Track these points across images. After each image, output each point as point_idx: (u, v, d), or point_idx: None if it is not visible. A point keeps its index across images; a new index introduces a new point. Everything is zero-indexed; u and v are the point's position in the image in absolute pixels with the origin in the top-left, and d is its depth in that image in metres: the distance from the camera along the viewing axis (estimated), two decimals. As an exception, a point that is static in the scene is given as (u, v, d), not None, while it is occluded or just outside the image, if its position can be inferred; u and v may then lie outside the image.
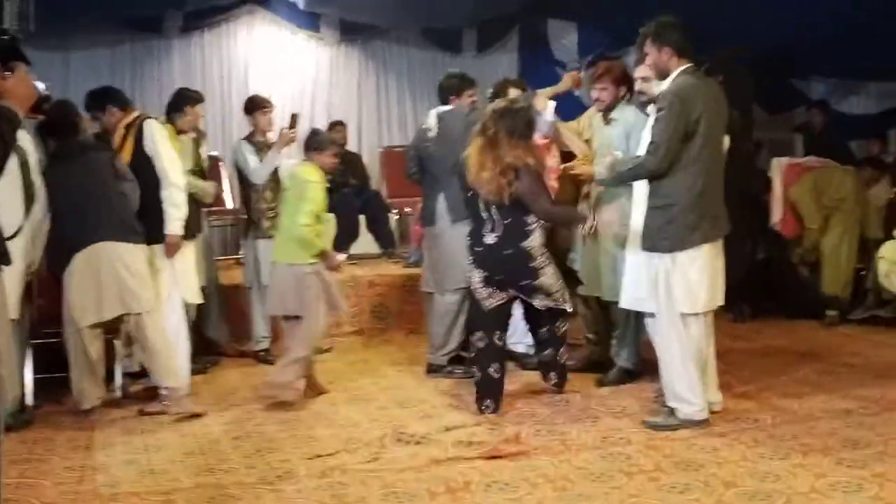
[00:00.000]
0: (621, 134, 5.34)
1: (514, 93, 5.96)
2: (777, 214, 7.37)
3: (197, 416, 5.09)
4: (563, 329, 5.21)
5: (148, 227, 5.25)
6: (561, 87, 5.83)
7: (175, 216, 5.36)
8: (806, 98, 9.89)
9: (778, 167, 7.41)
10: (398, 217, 8.89)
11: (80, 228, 4.95)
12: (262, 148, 6.45)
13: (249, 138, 6.58)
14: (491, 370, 5.02)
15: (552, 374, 5.27)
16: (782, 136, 10.13)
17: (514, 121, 4.96)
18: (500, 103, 5.15)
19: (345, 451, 4.39)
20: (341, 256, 5.42)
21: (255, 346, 6.57)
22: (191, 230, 5.59)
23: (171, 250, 5.40)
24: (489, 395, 5.01)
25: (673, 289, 4.51)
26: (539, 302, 5.07)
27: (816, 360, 6.06)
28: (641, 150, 4.67)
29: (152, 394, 5.31)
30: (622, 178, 4.83)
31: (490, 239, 5.02)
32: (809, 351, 6.34)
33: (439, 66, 10.08)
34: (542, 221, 5.04)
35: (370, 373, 6.11)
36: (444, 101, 6.10)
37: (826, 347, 6.46)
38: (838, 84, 9.90)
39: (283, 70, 9.70)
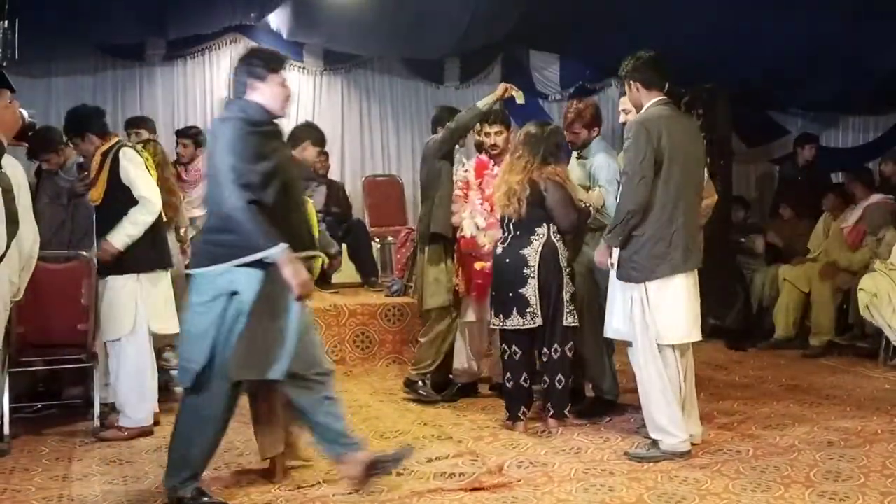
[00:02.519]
0: (586, 172, 5.54)
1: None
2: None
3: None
4: (559, 356, 5.13)
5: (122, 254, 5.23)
6: (496, 94, 5.94)
7: (127, 231, 5.19)
8: (784, 130, 10.00)
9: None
10: (380, 246, 8.88)
11: None
12: None
13: None
14: (504, 380, 5.29)
15: (549, 405, 5.21)
16: (766, 169, 10.28)
17: (541, 144, 5.19)
18: (530, 127, 5.32)
19: (326, 483, 4.36)
20: None
21: None
22: (165, 260, 5.45)
23: (104, 256, 5.24)
24: (508, 404, 5.30)
25: (648, 319, 4.54)
26: (511, 321, 5.13)
27: (798, 391, 6.08)
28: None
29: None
30: (617, 232, 4.59)
31: (499, 249, 5.29)
32: (790, 382, 6.36)
33: (422, 96, 10.16)
34: (559, 235, 5.19)
35: (351, 403, 6.05)
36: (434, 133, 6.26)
37: (807, 379, 6.48)
38: (816, 117, 10.02)
39: (266, 98, 9.70)
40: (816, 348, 7.38)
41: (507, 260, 5.19)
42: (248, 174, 3.74)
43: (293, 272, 3.74)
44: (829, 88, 8.87)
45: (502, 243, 5.28)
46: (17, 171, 4.36)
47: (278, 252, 3.72)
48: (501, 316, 5.19)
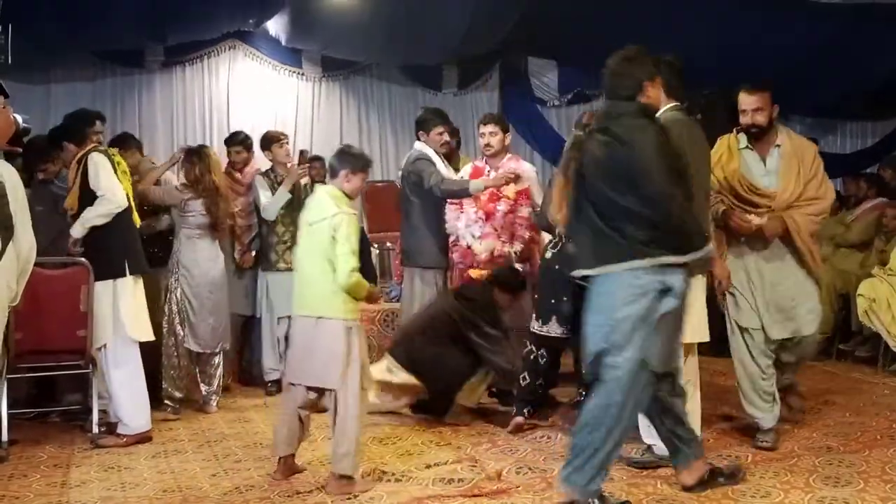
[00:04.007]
0: None
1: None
2: None
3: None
4: None
5: (95, 263, 5.26)
6: (495, 181, 5.80)
7: (85, 217, 5.25)
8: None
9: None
10: (379, 252, 8.87)
11: None
12: (276, 183, 6.59)
13: (266, 173, 6.72)
14: (520, 377, 5.29)
15: None
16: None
17: None
18: (575, 135, 5.15)
19: (324, 489, 4.35)
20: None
21: (265, 376, 6.66)
22: (140, 267, 5.46)
23: (71, 250, 5.31)
24: (516, 401, 5.27)
25: None
26: (551, 327, 5.10)
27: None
28: None
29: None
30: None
31: (549, 254, 5.21)
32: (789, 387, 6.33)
33: (420, 102, 10.15)
34: None
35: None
36: (417, 137, 6.25)
37: (806, 384, 6.43)
38: (814, 123, 10.04)
39: (265, 105, 9.71)
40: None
41: (557, 266, 5.08)
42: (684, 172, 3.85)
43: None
44: (827, 95, 8.88)
45: (553, 248, 5.19)
46: (12, 176, 4.36)
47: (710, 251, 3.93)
48: (541, 321, 5.14)
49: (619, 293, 3.77)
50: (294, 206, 6.47)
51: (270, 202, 6.45)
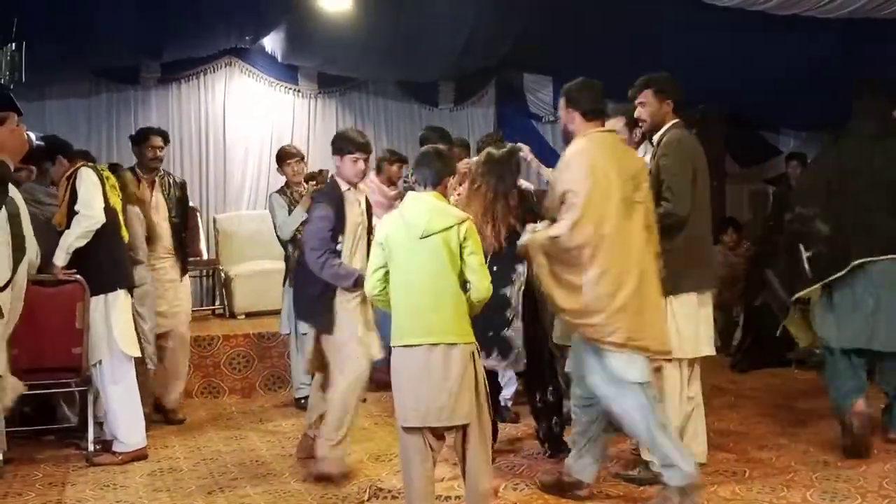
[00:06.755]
0: None
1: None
2: None
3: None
4: (556, 398, 5.03)
5: (85, 278, 5.24)
6: None
7: (66, 241, 5.18)
8: (777, 151, 10.05)
9: None
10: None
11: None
12: (293, 201, 6.52)
13: (281, 191, 6.67)
14: None
15: (546, 447, 5.10)
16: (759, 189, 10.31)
17: (501, 172, 4.92)
18: (484, 154, 5.05)
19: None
20: None
21: (294, 392, 6.66)
22: (129, 281, 5.48)
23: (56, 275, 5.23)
24: None
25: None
26: (490, 361, 4.81)
27: (793, 410, 6.06)
28: None
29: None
30: (664, 234, 4.35)
31: None
32: (786, 401, 6.34)
33: (416, 118, 10.19)
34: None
35: (346, 425, 6.04)
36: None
37: (803, 399, 6.46)
38: (808, 137, 10.06)
39: (261, 121, 9.74)
40: (801, 351, 7.23)
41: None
42: None
43: None
44: (822, 109, 8.89)
45: None
46: (17, 198, 4.37)
47: None
48: (484, 354, 4.63)
49: None
50: None
51: (286, 222, 6.37)
